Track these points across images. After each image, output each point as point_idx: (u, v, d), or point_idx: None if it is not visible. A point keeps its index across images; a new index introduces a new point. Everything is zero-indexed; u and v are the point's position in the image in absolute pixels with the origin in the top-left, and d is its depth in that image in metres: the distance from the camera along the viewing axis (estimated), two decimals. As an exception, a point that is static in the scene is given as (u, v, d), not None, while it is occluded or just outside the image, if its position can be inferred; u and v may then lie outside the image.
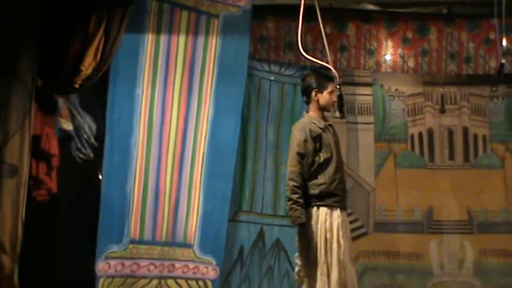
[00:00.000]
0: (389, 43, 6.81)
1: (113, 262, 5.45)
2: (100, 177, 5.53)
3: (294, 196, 4.30)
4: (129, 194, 5.56)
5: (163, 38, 5.78)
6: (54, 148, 5.19)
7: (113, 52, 5.11)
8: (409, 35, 6.83)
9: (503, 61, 5.79)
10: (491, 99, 7.07)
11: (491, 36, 6.66)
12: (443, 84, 7.03)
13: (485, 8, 6.35)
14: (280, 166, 6.57)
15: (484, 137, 7.01)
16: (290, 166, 4.40)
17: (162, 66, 5.76)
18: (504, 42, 5.80)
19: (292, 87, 6.70)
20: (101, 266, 5.38)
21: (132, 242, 5.56)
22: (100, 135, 5.53)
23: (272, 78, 6.71)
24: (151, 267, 5.61)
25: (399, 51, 6.84)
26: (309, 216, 4.33)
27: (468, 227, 6.82)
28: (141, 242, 5.60)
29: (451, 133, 7.04)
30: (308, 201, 4.35)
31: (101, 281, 5.38)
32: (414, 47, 6.83)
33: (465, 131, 7.03)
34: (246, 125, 6.45)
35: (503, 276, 6.61)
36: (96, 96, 5.56)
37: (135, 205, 5.58)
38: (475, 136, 7.01)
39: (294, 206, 4.29)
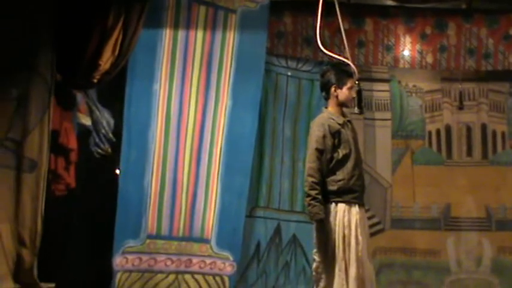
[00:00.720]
0: (407, 39, 6.77)
1: (130, 257, 5.48)
2: (117, 171, 5.55)
3: (313, 192, 4.26)
4: (146, 189, 5.60)
5: (181, 33, 5.80)
6: (72, 143, 5.21)
7: (131, 47, 5.12)
8: (428, 30, 6.78)
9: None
10: (511, 95, 7.00)
11: (511, 31, 6.61)
12: (462, 81, 6.97)
13: (504, 3, 6.31)
14: (297, 162, 6.56)
15: (503, 133, 6.95)
16: (309, 162, 4.35)
17: (180, 61, 5.78)
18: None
19: (309, 82, 6.68)
20: (118, 261, 5.41)
21: (149, 237, 5.58)
22: (118, 130, 5.55)
23: (289, 73, 6.70)
24: (168, 262, 5.63)
25: (417, 47, 6.80)
26: (327, 213, 4.29)
27: (486, 224, 6.78)
28: (158, 237, 5.63)
29: (469, 130, 6.99)
30: (326, 198, 4.31)
31: (118, 275, 5.41)
32: (432, 42, 6.79)
33: (483, 127, 6.97)
34: (263, 121, 6.44)
35: (521, 273, 6.58)
36: (114, 91, 5.59)
37: (152, 200, 5.61)
38: (494, 132, 6.96)
39: (312, 202, 4.25)
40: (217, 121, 5.86)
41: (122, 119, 5.56)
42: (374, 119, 6.94)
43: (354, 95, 4.43)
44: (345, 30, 4.71)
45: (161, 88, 5.72)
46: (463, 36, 6.76)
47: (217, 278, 5.78)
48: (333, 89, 4.42)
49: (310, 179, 4.29)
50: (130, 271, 5.47)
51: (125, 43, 5.03)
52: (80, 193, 5.32)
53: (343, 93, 4.42)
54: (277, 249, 6.42)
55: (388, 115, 6.98)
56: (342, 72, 4.43)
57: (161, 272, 5.59)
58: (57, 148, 5.03)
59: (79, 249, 5.26)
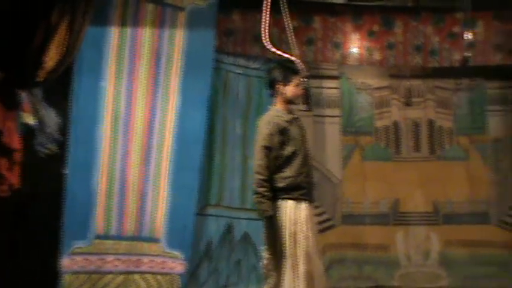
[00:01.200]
0: (356, 36, 6.85)
1: (77, 258, 5.40)
2: (64, 171, 5.47)
3: (261, 189, 4.27)
4: (94, 189, 5.54)
5: (128, 30, 5.77)
6: (15, 143, 5.09)
7: (77, 45, 5.04)
8: (375, 28, 6.88)
9: (467, 54, 5.91)
10: (456, 92, 7.13)
11: (455, 29, 6.74)
12: (409, 77, 7.07)
13: (450, 1, 6.43)
14: (247, 159, 6.55)
15: (449, 129, 7.07)
16: (256, 160, 4.36)
17: (128, 58, 5.75)
18: (468, 36, 5.91)
19: (259, 80, 6.68)
20: (65, 262, 5.33)
21: (98, 237, 5.52)
22: (64, 129, 5.46)
23: (239, 71, 6.70)
24: (117, 263, 5.57)
25: (365, 44, 6.88)
26: (275, 209, 4.31)
27: (434, 219, 6.89)
28: (107, 237, 5.57)
29: (416, 126, 7.09)
30: (275, 194, 4.32)
31: (65, 277, 5.33)
32: (380, 40, 6.88)
33: (430, 123, 7.08)
34: (213, 118, 6.43)
35: (468, 266, 6.69)
36: (60, 89, 5.49)
37: (100, 200, 5.55)
38: (440, 128, 7.08)
39: (261, 199, 4.26)
40: (166, 119, 5.83)
41: (69, 117, 5.47)
42: (323, 116, 6.98)
43: (301, 92, 4.45)
44: (293, 27, 4.74)
45: (109, 86, 5.67)
46: (410, 34, 6.88)
47: (168, 277, 5.75)
48: (279, 86, 4.43)
49: (258, 177, 4.29)
50: (78, 272, 5.40)
51: (71, 41, 4.94)
52: (25, 194, 5.21)
53: (290, 90, 4.42)
54: (228, 247, 6.42)
55: (337, 112, 7.03)
56: (288, 70, 4.43)
57: (110, 272, 5.54)
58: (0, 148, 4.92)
59: (24, 252, 5.15)
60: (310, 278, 4.26)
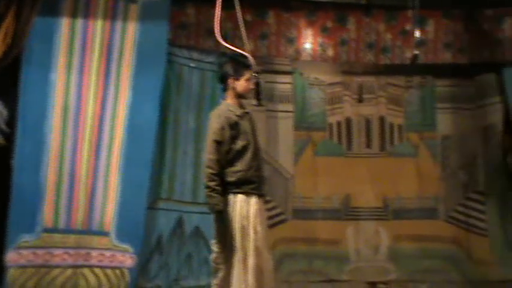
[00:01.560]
0: (309, 32, 6.88)
1: (24, 252, 5.32)
2: (12, 164, 5.37)
3: (212, 183, 4.28)
4: (42, 182, 5.48)
5: (79, 22, 5.70)
6: (-39, 134, 5.00)
7: (24, 36, 4.98)
8: (329, 24, 6.91)
9: (416, 52, 6.00)
10: (407, 89, 7.21)
11: (407, 27, 6.83)
12: (361, 74, 7.13)
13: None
14: (200, 153, 6.51)
15: (399, 126, 7.14)
16: (207, 154, 4.37)
17: (78, 51, 5.70)
18: (417, 34, 6.00)
19: (213, 74, 6.65)
20: (11, 257, 5.24)
21: (46, 230, 5.46)
22: (12, 121, 5.37)
23: (192, 65, 6.66)
24: (66, 256, 5.51)
25: (319, 40, 6.91)
26: (226, 204, 4.32)
27: (383, 214, 6.97)
28: (55, 230, 5.51)
29: (368, 122, 7.14)
30: (225, 189, 4.34)
31: (11, 271, 5.24)
32: (333, 36, 6.92)
33: (382, 120, 7.14)
34: (166, 112, 6.38)
35: (416, 260, 6.78)
36: (8, 81, 5.39)
37: (49, 193, 5.50)
38: (391, 125, 7.14)
39: (211, 193, 4.28)
40: (117, 112, 5.78)
41: (17, 109, 5.38)
42: (276, 111, 6.98)
43: (252, 86, 4.47)
44: (248, 22, 4.74)
45: (59, 78, 5.61)
46: (362, 31, 6.94)
47: (117, 271, 5.70)
48: (230, 80, 4.44)
49: (209, 171, 4.31)
50: (25, 267, 5.32)
51: (18, 31, 4.86)
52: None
53: (241, 84, 4.44)
54: (179, 241, 6.39)
55: (290, 107, 7.04)
56: (240, 64, 4.44)
57: (58, 266, 5.47)
58: None
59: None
60: (259, 272, 4.29)
